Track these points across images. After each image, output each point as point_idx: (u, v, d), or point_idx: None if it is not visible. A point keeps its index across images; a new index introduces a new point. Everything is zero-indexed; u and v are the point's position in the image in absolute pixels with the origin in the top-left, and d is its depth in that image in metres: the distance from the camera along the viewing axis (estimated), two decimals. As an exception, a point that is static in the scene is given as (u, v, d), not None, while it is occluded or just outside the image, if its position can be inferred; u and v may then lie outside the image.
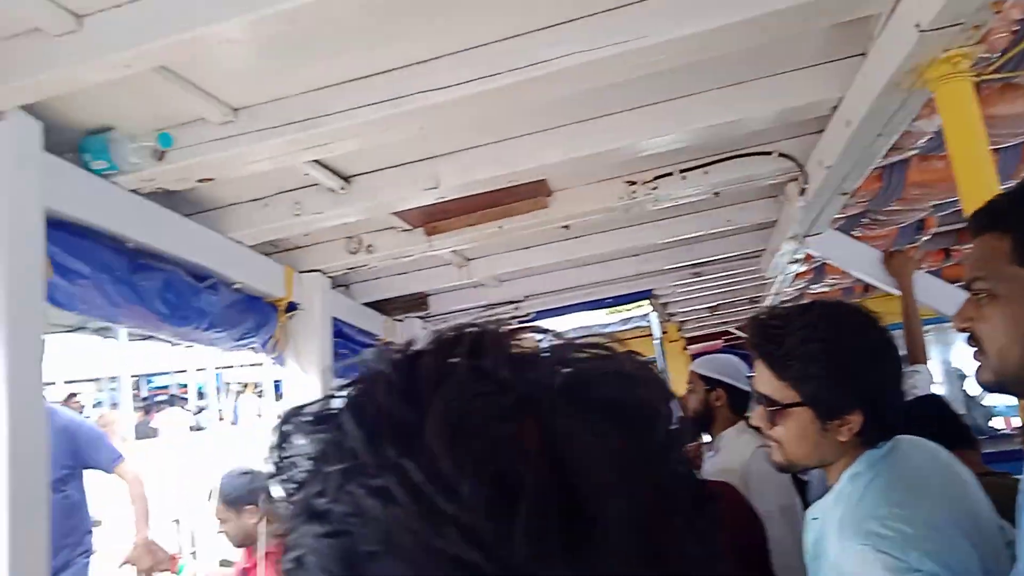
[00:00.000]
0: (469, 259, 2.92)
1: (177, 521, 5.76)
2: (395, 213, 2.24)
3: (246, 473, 2.83)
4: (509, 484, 0.33)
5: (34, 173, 1.29)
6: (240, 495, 2.73)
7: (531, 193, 2.21)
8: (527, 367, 0.38)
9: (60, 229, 1.42)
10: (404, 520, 0.33)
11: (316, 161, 1.79)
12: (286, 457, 0.41)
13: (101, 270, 1.54)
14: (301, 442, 0.40)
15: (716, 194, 2.38)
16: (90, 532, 3.30)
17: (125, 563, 3.02)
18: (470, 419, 0.35)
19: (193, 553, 5.66)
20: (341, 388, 0.41)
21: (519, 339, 0.39)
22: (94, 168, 1.49)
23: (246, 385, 23.46)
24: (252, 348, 2.33)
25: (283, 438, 0.42)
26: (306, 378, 2.44)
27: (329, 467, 0.37)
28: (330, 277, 2.55)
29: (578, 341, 0.39)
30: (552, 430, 0.34)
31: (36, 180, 1.30)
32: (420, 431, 0.35)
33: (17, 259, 1.25)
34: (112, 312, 1.65)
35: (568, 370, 0.37)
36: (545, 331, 0.40)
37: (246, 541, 2.81)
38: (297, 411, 0.42)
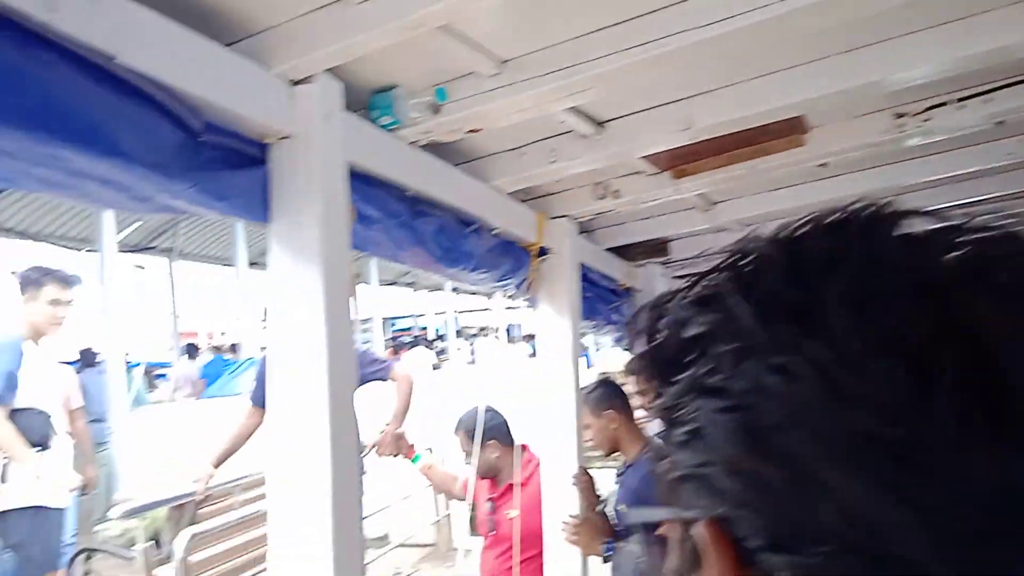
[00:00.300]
0: (714, 202, 2.87)
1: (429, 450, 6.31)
2: (643, 157, 2.26)
3: (487, 410, 3.04)
4: (923, 363, 0.33)
5: (339, 129, 1.47)
6: (483, 429, 2.95)
7: (786, 131, 2.13)
8: (920, 248, 0.37)
9: (357, 179, 1.60)
10: (809, 397, 0.35)
11: (573, 108, 1.86)
12: (660, 340, 0.43)
13: (389, 216, 1.72)
14: (677, 324, 0.42)
15: (999, 123, 2.15)
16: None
17: (372, 448, 3.41)
18: (872, 299, 0.35)
19: (430, 449, 6.18)
20: (713, 272, 0.43)
21: (906, 221, 0.38)
22: (381, 123, 1.66)
23: (481, 328, 24.86)
24: (508, 289, 2.49)
25: (656, 321, 0.44)
26: (557, 319, 2.56)
27: (720, 347, 0.39)
28: (577, 223, 2.64)
29: (969, 224, 0.37)
30: (959, 311, 0.34)
31: (340, 135, 1.47)
32: (817, 311, 0.36)
33: (330, 206, 1.43)
34: (396, 253, 1.84)
35: (965, 251, 0.36)
36: (930, 213, 0.38)
37: (489, 473, 3.03)
38: (670, 297, 0.45)
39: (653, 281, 3.40)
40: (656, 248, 3.28)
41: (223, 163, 1.31)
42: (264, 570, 4.52)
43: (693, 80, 1.85)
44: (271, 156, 1.41)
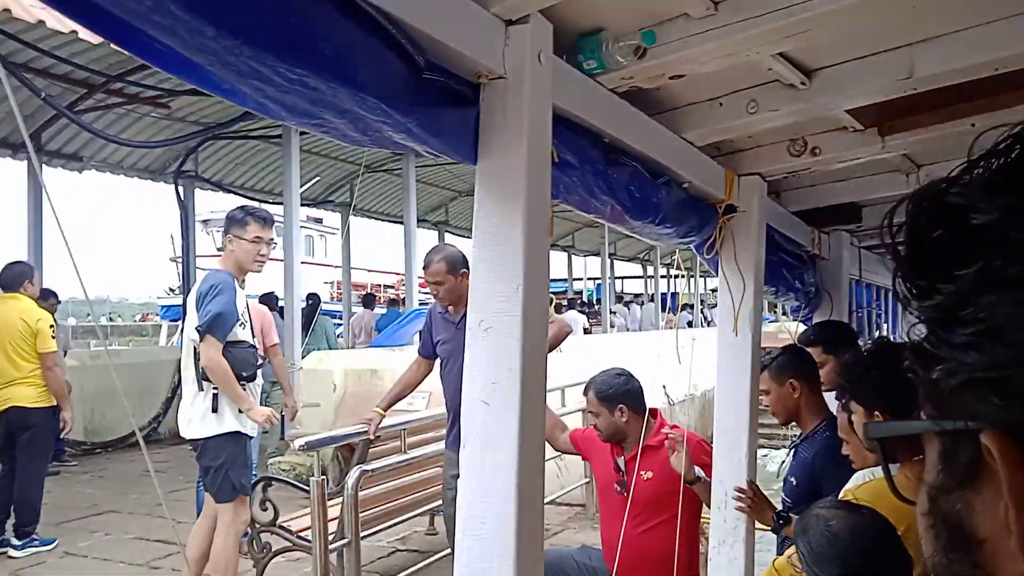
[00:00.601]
0: (919, 165, 2.67)
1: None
2: (850, 111, 2.13)
3: (620, 375, 2.99)
4: None
5: (548, 71, 1.47)
6: (614, 393, 2.91)
7: (1020, 82, 1.93)
8: None
9: (558, 123, 1.60)
10: None
11: (782, 54, 1.77)
12: (936, 232, 0.40)
13: (585, 162, 1.72)
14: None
15: None
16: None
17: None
18: None
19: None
20: (984, 161, 0.39)
21: None
22: (586, 68, 1.65)
23: (637, 295, 24.64)
24: (691, 247, 2.44)
25: (926, 213, 0.41)
26: (740, 281, 2.48)
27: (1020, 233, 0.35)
28: (767, 181, 2.54)
29: None
30: None
31: (548, 77, 1.48)
32: None
33: (535, 149, 1.44)
34: (587, 202, 1.84)
35: None
36: None
37: (614, 437, 2.99)
38: (942, 185, 0.41)
39: (841, 250, 3.23)
40: (847, 214, 3.09)
41: (441, 100, 1.35)
42: (427, 510, 4.76)
43: (919, 22, 1.71)
44: (483, 96, 1.44)
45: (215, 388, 3.70)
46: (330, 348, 9.65)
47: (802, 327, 3.33)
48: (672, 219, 2.17)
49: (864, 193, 2.88)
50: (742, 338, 2.50)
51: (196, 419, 3.76)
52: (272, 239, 3.91)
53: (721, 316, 2.57)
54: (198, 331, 3.64)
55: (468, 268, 3.76)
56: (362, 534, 3.87)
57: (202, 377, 3.70)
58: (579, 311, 15.89)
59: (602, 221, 2.07)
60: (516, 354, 1.43)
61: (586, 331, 14.53)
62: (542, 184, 1.50)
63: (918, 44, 1.75)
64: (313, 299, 9.14)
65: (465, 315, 3.90)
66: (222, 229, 4.13)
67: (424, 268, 3.85)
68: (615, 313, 19.06)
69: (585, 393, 3.15)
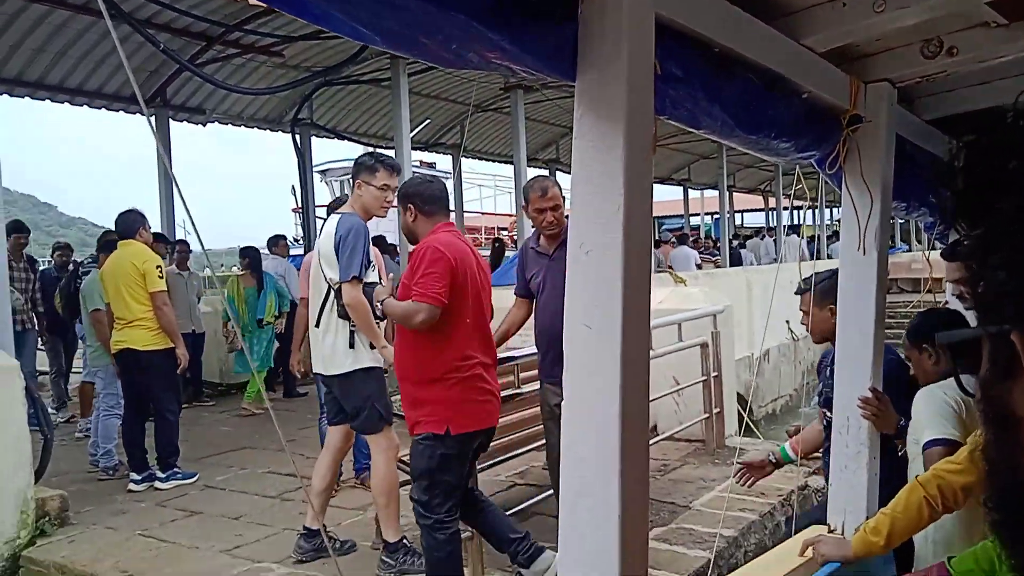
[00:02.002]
0: (1075, 61, 2.38)
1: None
2: (990, 3, 1.91)
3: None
4: None
5: (648, -25, 1.38)
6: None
7: None
8: None
9: (661, 33, 1.51)
10: None
11: (912, -61, 1.60)
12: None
13: (691, 74, 1.62)
14: None
15: None
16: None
17: None
18: None
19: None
20: None
21: None
22: (690, -29, 1.54)
23: (757, 231, 23.79)
24: (811, 162, 2.29)
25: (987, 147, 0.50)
26: (867, 197, 2.32)
27: None
28: (897, 89, 2.34)
29: None
30: None
31: (649, -18, 1.39)
32: None
33: (635, 59, 1.37)
34: (695, 117, 1.74)
35: None
36: None
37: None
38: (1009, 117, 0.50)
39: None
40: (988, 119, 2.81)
41: (535, 14, 1.29)
42: (542, 444, 4.81)
43: None
44: (581, 7, 1.37)
45: (352, 325, 3.83)
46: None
47: (935, 256, 3.14)
48: (790, 133, 2.04)
49: (1008, 96, 2.57)
50: (868, 257, 2.35)
51: (333, 357, 3.91)
52: (396, 187, 3.96)
53: (845, 234, 2.42)
54: (347, 274, 3.75)
55: None
56: (480, 467, 3.98)
57: (341, 315, 3.83)
58: (690, 246, 15.51)
59: (713, 138, 1.97)
60: (618, 277, 1.39)
61: (698, 267, 14.18)
62: (644, 99, 1.43)
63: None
64: (380, 243, 9.03)
65: (558, 247, 3.90)
66: (350, 174, 4.25)
67: (540, 195, 3.85)
68: (746, 247, 18.47)
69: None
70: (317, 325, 3.95)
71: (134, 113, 9.95)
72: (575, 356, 1.44)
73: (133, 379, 5.71)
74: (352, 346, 3.88)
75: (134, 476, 5.71)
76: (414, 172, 11.27)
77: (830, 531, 2.49)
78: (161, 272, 5.66)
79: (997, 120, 0.51)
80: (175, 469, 5.79)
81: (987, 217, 0.48)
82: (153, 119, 9.88)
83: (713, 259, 16.87)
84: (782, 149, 2.08)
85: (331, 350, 3.91)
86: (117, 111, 9.83)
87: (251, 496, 5.52)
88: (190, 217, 1.37)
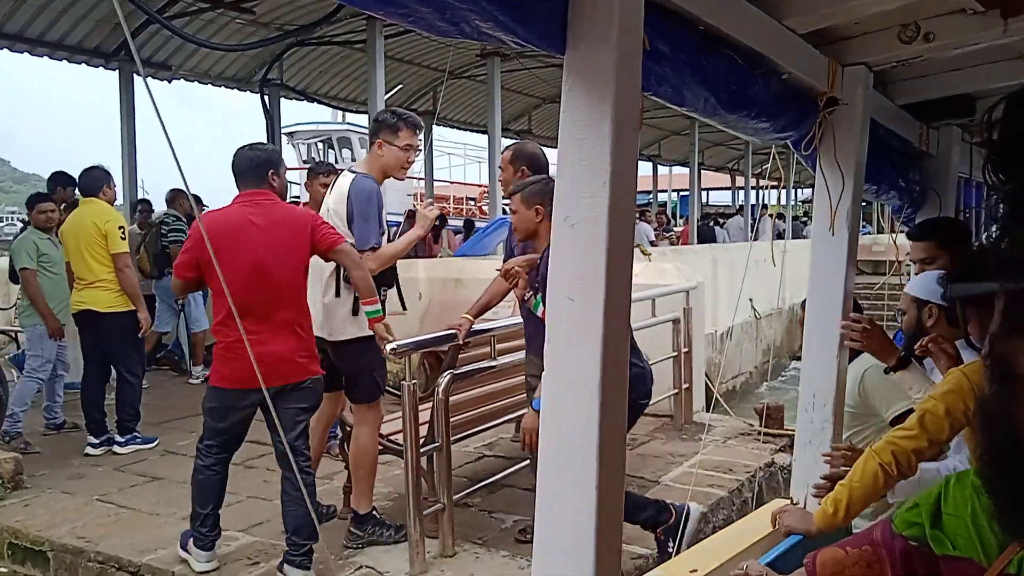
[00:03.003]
0: (1045, 51, 2.44)
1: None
2: (971, -11, 1.95)
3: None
4: None
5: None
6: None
7: None
8: None
9: (649, 9, 1.52)
10: None
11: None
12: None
13: (679, 51, 1.64)
14: None
15: None
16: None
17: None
18: None
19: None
20: None
21: None
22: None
23: (724, 209, 23.97)
24: (788, 142, 2.33)
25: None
26: (839, 177, 2.37)
27: None
28: (873, 72, 2.37)
29: None
30: None
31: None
32: None
33: (625, 34, 1.38)
34: (679, 94, 1.76)
35: None
36: None
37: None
38: None
39: (950, 145, 3.02)
40: (959, 106, 2.88)
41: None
42: (513, 418, 4.84)
43: None
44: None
45: (356, 292, 3.73)
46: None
47: (902, 238, 3.20)
48: (769, 113, 2.07)
49: (980, 83, 2.66)
50: (838, 237, 2.41)
51: (337, 323, 3.81)
52: (419, 146, 3.87)
53: (817, 214, 2.47)
54: (366, 243, 3.69)
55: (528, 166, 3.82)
56: (453, 439, 3.93)
57: (347, 280, 3.72)
58: (645, 220, 15.58)
59: (695, 115, 1.99)
60: (602, 250, 1.41)
61: (652, 244, 14.25)
62: (633, 74, 1.44)
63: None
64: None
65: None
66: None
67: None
68: (722, 225, 18.59)
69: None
70: (324, 292, 3.84)
71: (97, 67, 9.68)
72: (557, 328, 1.47)
73: (94, 341, 5.57)
74: (355, 313, 3.79)
75: (91, 440, 5.55)
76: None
77: (793, 504, 2.57)
78: (124, 233, 5.49)
79: None
80: (134, 434, 5.63)
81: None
82: (117, 73, 9.65)
83: (668, 235, 17.00)
84: (761, 129, 2.11)
85: (335, 316, 3.82)
86: (79, 64, 9.56)
87: None
88: (183, 177, 1.36)
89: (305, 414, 3.59)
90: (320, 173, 5.43)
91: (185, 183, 1.45)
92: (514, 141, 15.81)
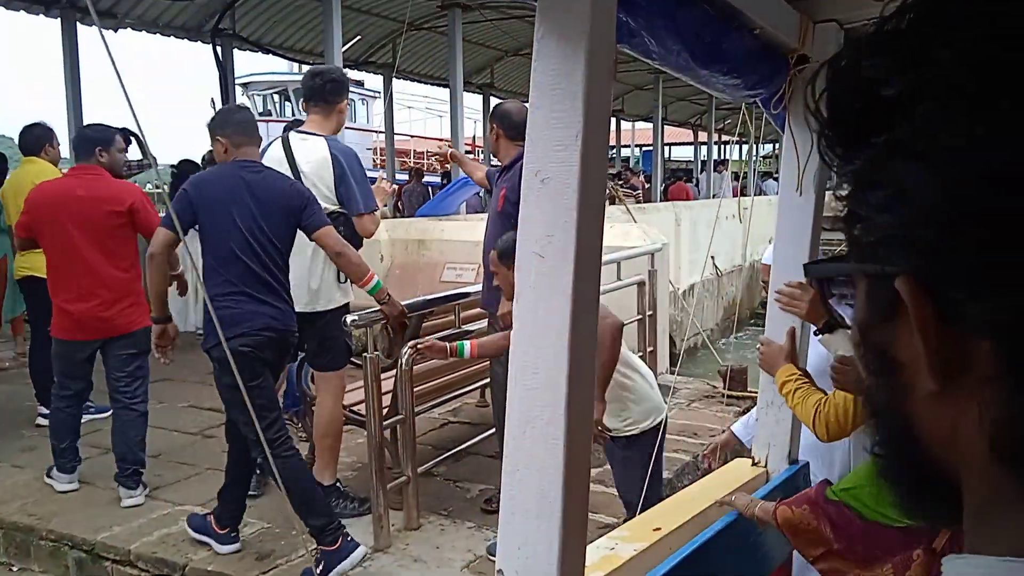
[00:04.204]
0: (1014, 10, 2.44)
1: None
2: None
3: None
4: None
5: None
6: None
7: None
8: None
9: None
10: None
11: None
12: (850, 102, 0.45)
13: (653, 2, 1.58)
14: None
15: None
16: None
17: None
18: None
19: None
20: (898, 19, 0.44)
21: None
22: None
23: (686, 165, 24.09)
24: (757, 100, 2.30)
25: (842, 81, 0.47)
26: (808, 137, 2.34)
27: (927, 104, 0.40)
28: (844, 30, 2.34)
29: None
30: None
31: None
32: None
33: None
34: (651, 47, 1.70)
35: None
36: None
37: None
38: (855, 54, 0.46)
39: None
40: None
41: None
42: (480, 384, 4.81)
43: None
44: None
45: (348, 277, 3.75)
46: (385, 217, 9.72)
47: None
48: (741, 69, 2.02)
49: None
50: (805, 197, 2.40)
51: (323, 291, 3.79)
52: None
53: (784, 174, 2.45)
54: (369, 206, 3.76)
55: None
56: (417, 410, 3.92)
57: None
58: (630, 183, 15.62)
59: (666, 70, 1.94)
60: (573, 206, 1.36)
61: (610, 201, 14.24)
62: (608, 23, 1.38)
63: None
64: None
65: (506, 169, 3.83)
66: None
67: None
68: (696, 183, 18.66)
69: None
70: (310, 271, 3.79)
71: (36, 14, 9.23)
72: (525, 285, 1.43)
73: (38, 308, 5.34)
74: (341, 280, 3.79)
75: (42, 410, 5.34)
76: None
77: (754, 463, 2.60)
78: None
79: (867, 36, 0.46)
80: (88, 403, 5.29)
81: (862, 149, 0.44)
82: (59, 21, 9.22)
83: (634, 193, 16.98)
84: (732, 85, 2.07)
85: (321, 284, 3.78)
86: (16, 11, 9.11)
87: (170, 432, 5.24)
88: (140, 132, 1.27)
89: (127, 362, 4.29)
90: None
91: (143, 137, 1.36)
92: (476, 95, 15.57)
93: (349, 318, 3.64)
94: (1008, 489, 0.41)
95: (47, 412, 5.29)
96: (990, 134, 0.38)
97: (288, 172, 3.69)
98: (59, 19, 9.19)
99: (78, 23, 9.22)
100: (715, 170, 18.65)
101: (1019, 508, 0.41)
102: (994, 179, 0.37)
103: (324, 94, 3.85)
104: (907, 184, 0.41)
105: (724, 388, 5.92)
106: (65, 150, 5.98)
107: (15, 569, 3.89)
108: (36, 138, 5.36)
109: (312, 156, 3.74)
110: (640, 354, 6.12)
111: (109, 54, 1.49)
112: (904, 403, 0.45)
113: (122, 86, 1.47)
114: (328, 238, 3.41)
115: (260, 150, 3.64)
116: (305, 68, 19.14)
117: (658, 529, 2.29)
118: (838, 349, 2.38)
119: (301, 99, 4.16)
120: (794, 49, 2.22)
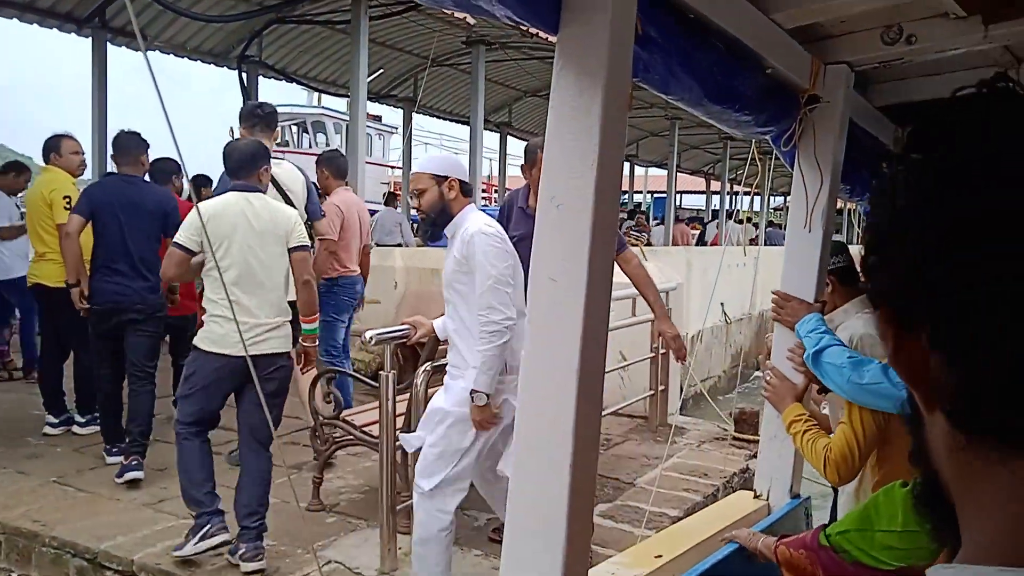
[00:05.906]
0: (1020, 59, 2.49)
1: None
2: (956, -8, 1.99)
3: None
4: None
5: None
6: None
7: None
8: None
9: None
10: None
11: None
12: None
13: (668, 38, 1.65)
14: None
15: None
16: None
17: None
18: None
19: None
20: None
21: None
22: (675, -66, 1.56)
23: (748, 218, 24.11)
24: (768, 137, 2.36)
25: None
26: (817, 175, 2.40)
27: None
28: (854, 72, 2.41)
29: None
30: None
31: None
32: None
33: (618, 15, 1.39)
34: (666, 82, 1.77)
35: None
36: None
37: None
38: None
39: (924, 151, 3.07)
40: (935, 112, 2.92)
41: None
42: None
43: None
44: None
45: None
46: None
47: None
48: (752, 106, 2.09)
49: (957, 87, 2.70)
50: (813, 234, 2.44)
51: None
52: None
53: (793, 211, 2.50)
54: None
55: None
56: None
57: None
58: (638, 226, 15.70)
59: (680, 105, 2.00)
60: (586, 232, 1.41)
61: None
62: (624, 56, 1.45)
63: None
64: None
65: None
66: (296, 121, 4.71)
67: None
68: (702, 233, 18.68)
69: None
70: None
71: (69, 32, 9.46)
72: (539, 309, 1.48)
73: (47, 317, 5.44)
74: None
75: (50, 419, 5.37)
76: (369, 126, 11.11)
77: (756, 496, 2.61)
78: (69, 202, 5.14)
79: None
80: (95, 413, 5.29)
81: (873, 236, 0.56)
82: (90, 40, 9.45)
83: (641, 237, 17.03)
84: (744, 122, 2.13)
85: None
86: (51, 28, 9.34)
87: (171, 444, 5.20)
88: (178, 151, 1.34)
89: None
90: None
91: (180, 157, 1.44)
92: (491, 136, 15.67)
93: (369, 334, 3.66)
94: (980, 487, 0.46)
95: (55, 421, 5.40)
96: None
97: (277, 196, 4.35)
98: (90, 38, 9.41)
99: (108, 43, 9.44)
100: (735, 220, 18.68)
101: (991, 515, 0.45)
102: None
103: (269, 120, 4.72)
104: (885, 260, 0.53)
105: (733, 430, 5.91)
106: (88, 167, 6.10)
107: (14, 575, 3.90)
108: (47, 147, 5.42)
109: (293, 179, 4.62)
110: (651, 392, 6.13)
111: (153, 78, 1.57)
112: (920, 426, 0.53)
113: (164, 108, 1.55)
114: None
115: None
116: (324, 100, 19.52)
117: (659, 556, 2.30)
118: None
119: (252, 124, 4.64)
120: (805, 89, 2.28)
